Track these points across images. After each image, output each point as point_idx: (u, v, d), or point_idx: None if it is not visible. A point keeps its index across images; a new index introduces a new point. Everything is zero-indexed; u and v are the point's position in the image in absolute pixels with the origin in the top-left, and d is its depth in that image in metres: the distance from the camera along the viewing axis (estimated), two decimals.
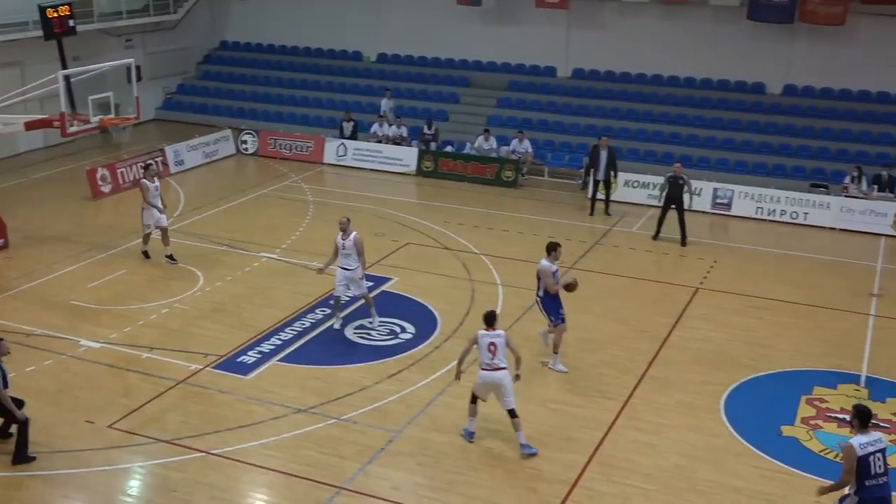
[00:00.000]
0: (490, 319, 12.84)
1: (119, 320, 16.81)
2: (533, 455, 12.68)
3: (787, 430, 13.56)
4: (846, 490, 10.16)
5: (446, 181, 26.74)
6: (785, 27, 27.09)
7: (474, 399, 13.04)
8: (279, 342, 16.07)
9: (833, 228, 23.04)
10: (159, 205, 19.65)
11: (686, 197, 21.55)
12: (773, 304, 18.13)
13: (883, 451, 9.94)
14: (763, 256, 21.21)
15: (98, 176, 24.89)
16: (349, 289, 16.67)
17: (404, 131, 28.26)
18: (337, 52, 34.16)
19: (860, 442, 9.90)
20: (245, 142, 29.63)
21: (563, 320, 15.09)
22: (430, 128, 28.11)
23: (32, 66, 27.00)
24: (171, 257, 19.59)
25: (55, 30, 26.43)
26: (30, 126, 20.21)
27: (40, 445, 12.78)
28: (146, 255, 19.75)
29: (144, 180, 19.63)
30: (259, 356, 15.49)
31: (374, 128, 28.51)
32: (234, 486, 12.05)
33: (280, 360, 15.43)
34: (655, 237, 21.77)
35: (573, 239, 22.01)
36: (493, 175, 26.33)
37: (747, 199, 23.97)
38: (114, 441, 12.95)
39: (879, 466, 9.87)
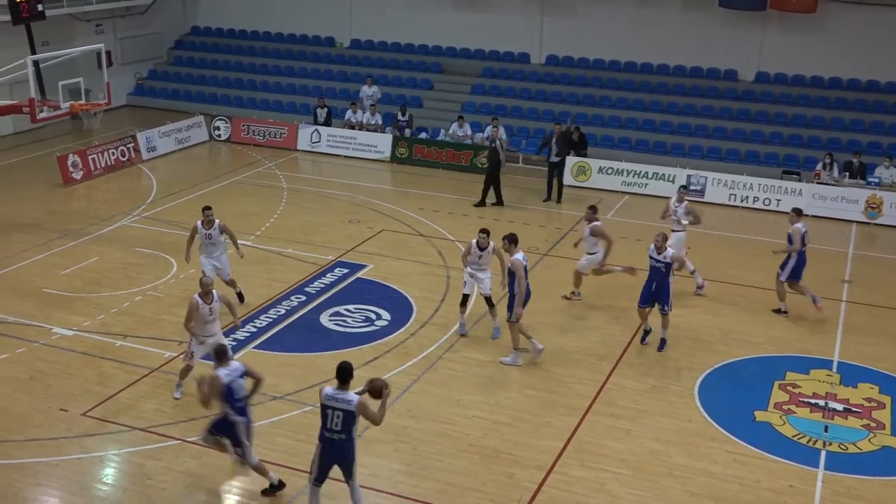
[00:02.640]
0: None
1: (92, 308, 16.67)
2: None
3: (760, 416, 13.70)
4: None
5: (421, 168, 26.69)
6: (757, 14, 27.28)
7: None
8: (254, 329, 16.01)
9: (805, 215, 23.17)
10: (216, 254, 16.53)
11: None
12: (746, 290, 18.28)
13: None
14: (736, 243, 21.38)
15: (69, 162, 24.62)
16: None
17: (378, 118, 28.15)
18: (310, 37, 33.94)
19: None
20: (218, 128, 29.41)
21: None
22: (403, 114, 28.03)
23: (0, 50, 26.58)
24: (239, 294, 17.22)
25: (23, 14, 26.06)
26: None
27: (13, 433, 12.68)
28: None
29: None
30: (234, 343, 15.37)
31: (348, 114, 28.39)
32: (209, 474, 12.00)
33: (255, 348, 15.39)
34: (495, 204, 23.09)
35: (548, 226, 22.13)
36: (468, 162, 26.32)
37: (720, 185, 24.14)
38: (88, 429, 12.86)
39: None
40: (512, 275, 14.77)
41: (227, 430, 11.10)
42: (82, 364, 14.75)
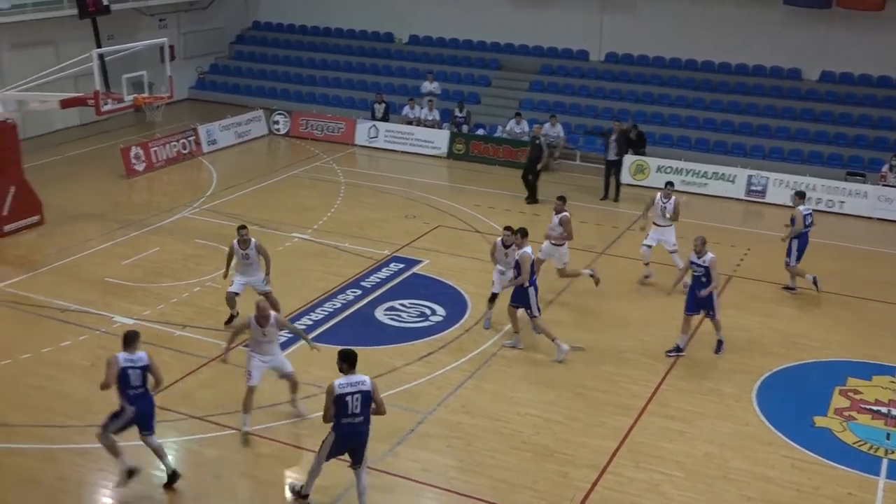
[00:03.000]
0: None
1: (152, 297, 16.95)
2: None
3: (819, 421, 13.45)
4: None
5: (477, 164, 26.67)
6: (822, 12, 26.69)
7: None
8: (310, 322, 16.14)
9: (869, 217, 22.77)
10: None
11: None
12: (807, 293, 17.95)
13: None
14: None
15: (132, 154, 25.07)
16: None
17: (436, 114, 28.20)
18: (369, 33, 34.09)
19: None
20: (277, 122, 29.70)
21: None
22: (461, 111, 28.03)
23: (67, 44, 27.15)
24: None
25: (90, 8, 26.60)
26: (65, 104, 20.35)
27: (75, 419, 12.96)
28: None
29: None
30: (290, 336, 15.54)
31: (406, 110, 28.47)
32: (264, 464, 12.15)
33: (311, 340, 15.47)
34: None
35: (605, 224, 21.97)
36: (525, 159, 26.18)
37: (782, 186, 23.69)
38: None
39: None
40: (519, 267, 14.94)
41: (119, 417, 11.13)
42: None
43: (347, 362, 10.63)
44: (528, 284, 14.96)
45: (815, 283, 17.70)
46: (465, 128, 27.91)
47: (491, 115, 28.96)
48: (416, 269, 18.60)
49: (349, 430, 10.60)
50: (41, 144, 26.76)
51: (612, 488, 11.73)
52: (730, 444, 12.79)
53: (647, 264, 18.20)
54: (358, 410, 10.50)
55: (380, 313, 16.60)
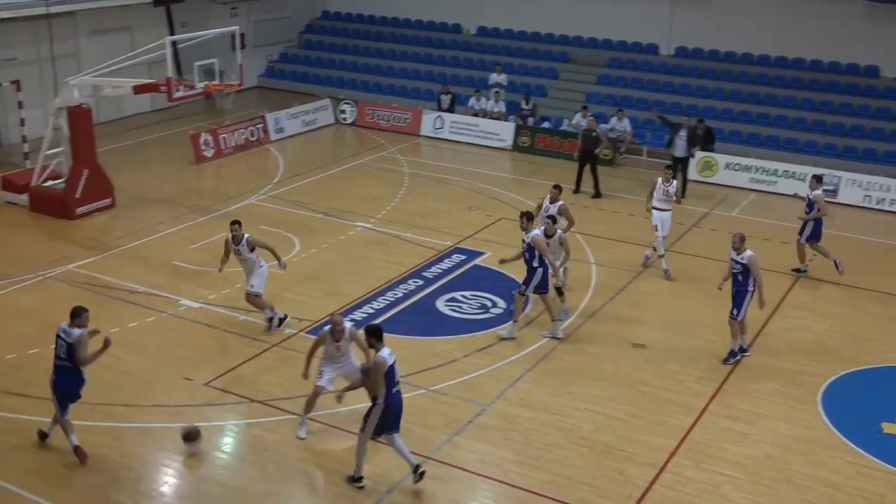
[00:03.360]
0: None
1: (218, 282, 17.19)
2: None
3: (888, 427, 13.11)
4: None
5: (542, 157, 26.53)
6: None
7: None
8: (371, 311, 16.24)
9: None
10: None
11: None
12: (878, 296, 17.52)
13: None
14: (870, 246, 20.49)
15: (201, 140, 25.48)
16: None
17: (502, 106, 28.11)
18: (437, 24, 34.10)
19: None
20: (344, 111, 29.91)
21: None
22: (527, 103, 27.90)
23: (141, 31, 27.72)
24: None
25: None
26: (138, 90, 20.71)
27: (140, 399, 13.24)
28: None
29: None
30: (351, 323, 15.59)
31: (472, 101, 28.44)
32: (323, 449, 12.27)
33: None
34: (575, 191, 22.89)
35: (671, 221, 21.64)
36: (577, 151, 25.93)
37: (855, 186, 23.15)
38: (209, 399, 13.30)
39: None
40: (532, 249, 14.95)
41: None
42: (206, 336, 15.26)
43: (376, 336, 11.05)
44: (537, 265, 15.05)
45: (836, 266, 17.98)
46: (530, 120, 27.78)
47: (557, 108, 28.77)
48: (477, 261, 18.58)
49: (396, 398, 11.05)
50: (114, 129, 27.35)
51: (671, 487, 11.60)
52: (793, 447, 12.55)
53: (655, 249, 18.36)
54: (399, 378, 11.10)
55: (441, 304, 16.62)
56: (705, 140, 24.61)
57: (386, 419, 11.04)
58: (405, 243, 19.40)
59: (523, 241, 15.25)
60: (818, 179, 18.61)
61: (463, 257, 18.77)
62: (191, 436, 11.95)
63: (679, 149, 23.19)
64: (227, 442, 12.56)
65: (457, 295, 16.95)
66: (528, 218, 15.30)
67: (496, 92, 28.38)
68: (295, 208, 21.44)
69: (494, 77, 29.07)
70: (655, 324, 16.10)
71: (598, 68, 30.32)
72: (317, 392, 12.31)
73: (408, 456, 11.31)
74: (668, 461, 12.13)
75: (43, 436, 12.04)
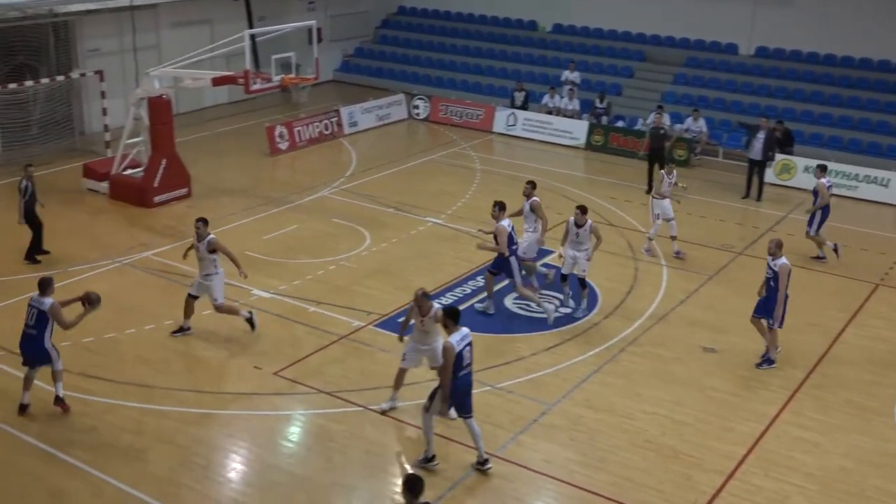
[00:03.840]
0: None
1: (289, 273, 17.42)
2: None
3: None
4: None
5: (616, 157, 26.26)
6: None
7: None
8: (439, 306, 16.21)
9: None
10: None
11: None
12: None
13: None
14: None
15: (276, 133, 25.83)
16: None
17: (576, 104, 27.91)
18: (512, 20, 33.98)
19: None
20: (417, 107, 30.02)
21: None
22: (601, 101, 27.66)
23: (221, 24, 28.23)
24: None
25: None
26: (216, 82, 21.06)
27: (210, 386, 13.48)
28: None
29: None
30: (439, 305, 15.67)
31: (546, 99, 28.29)
32: (388, 442, 12.33)
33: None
34: (647, 191, 22.22)
35: (745, 224, 21.31)
36: (644, 150, 25.61)
37: None
38: (278, 388, 13.47)
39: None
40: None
41: None
42: (277, 326, 15.46)
43: (452, 318, 11.32)
44: (508, 254, 15.40)
45: (835, 250, 18.65)
46: (604, 119, 27.53)
47: (632, 107, 28.47)
48: (548, 260, 18.48)
49: (465, 380, 11.31)
50: (192, 120, 27.87)
51: (739, 495, 11.39)
52: (869, 460, 12.22)
53: (650, 239, 18.95)
54: (469, 360, 11.32)
55: (509, 301, 16.57)
56: (784, 142, 24.11)
57: (456, 399, 11.27)
58: (475, 239, 19.37)
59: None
60: (822, 169, 19.16)
61: (533, 255, 18.66)
62: (90, 300, 12.46)
63: (756, 151, 22.74)
64: (294, 431, 12.72)
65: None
66: (500, 207, 15.55)
67: (570, 89, 28.18)
68: (366, 202, 21.58)
69: (567, 74, 28.85)
70: (727, 328, 15.82)
71: (674, 67, 29.90)
72: (401, 371, 12.79)
73: (479, 444, 11.52)
74: (737, 468, 11.91)
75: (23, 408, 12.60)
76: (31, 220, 17.70)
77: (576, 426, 12.72)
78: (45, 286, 12.34)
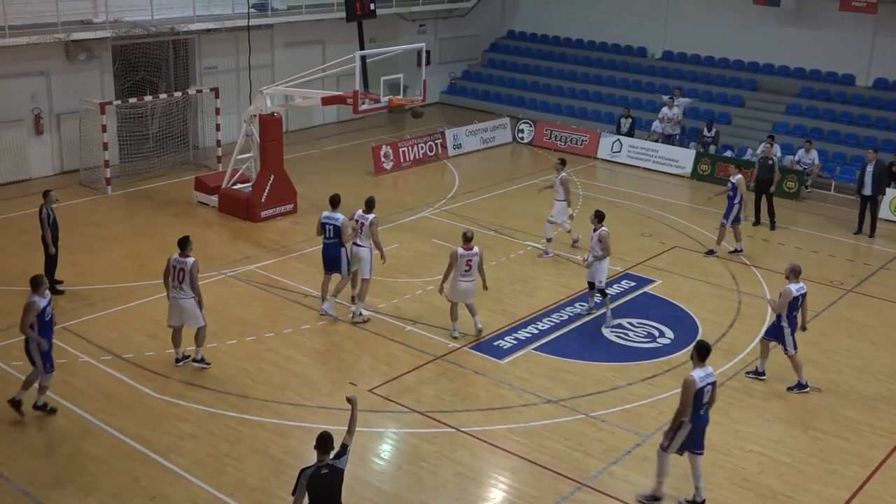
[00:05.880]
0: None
1: (388, 291, 17.59)
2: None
3: None
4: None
5: (722, 187, 25.66)
6: None
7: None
8: (536, 331, 16.18)
9: None
10: None
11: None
12: None
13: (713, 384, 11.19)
14: None
15: (381, 153, 26.19)
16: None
17: (678, 113, 27.63)
18: (622, 47, 33.76)
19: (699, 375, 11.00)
20: (522, 131, 30.05)
21: None
22: (709, 130, 27.19)
23: (333, 45, 28.88)
24: None
25: (357, 12, 27.97)
26: (326, 101, 21.47)
27: (307, 399, 13.69)
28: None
29: None
30: (515, 342, 15.68)
31: (655, 125, 27.96)
32: (479, 466, 12.29)
33: (535, 349, 15.53)
34: (755, 223, 22.30)
35: (856, 261, 20.58)
36: (752, 181, 24.98)
37: None
38: (372, 405, 13.58)
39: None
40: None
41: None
42: (374, 343, 15.61)
43: (699, 354, 11.22)
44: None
45: (736, 251, 19.95)
46: (712, 148, 27.05)
47: (741, 136, 27.89)
48: (647, 289, 18.21)
49: (704, 419, 11.27)
50: (301, 138, 28.51)
51: None
52: None
53: (549, 240, 19.87)
54: (708, 400, 11.22)
55: (606, 330, 16.37)
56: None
57: (691, 438, 11.22)
58: (574, 266, 19.24)
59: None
60: (738, 167, 21.18)
61: (633, 283, 18.44)
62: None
63: (866, 186, 21.96)
64: (386, 449, 12.80)
65: (624, 322, 16.66)
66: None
67: (676, 106, 27.86)
68: (466, 224, 21.63)
69: (665, 111, 28.17)
70: (835, 367, 15.28)
71: (787, 97, 29.19)
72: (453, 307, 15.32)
73: (699, 484, 11.44)
74: None
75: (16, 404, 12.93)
76: (47, 247, 16.48)
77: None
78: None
